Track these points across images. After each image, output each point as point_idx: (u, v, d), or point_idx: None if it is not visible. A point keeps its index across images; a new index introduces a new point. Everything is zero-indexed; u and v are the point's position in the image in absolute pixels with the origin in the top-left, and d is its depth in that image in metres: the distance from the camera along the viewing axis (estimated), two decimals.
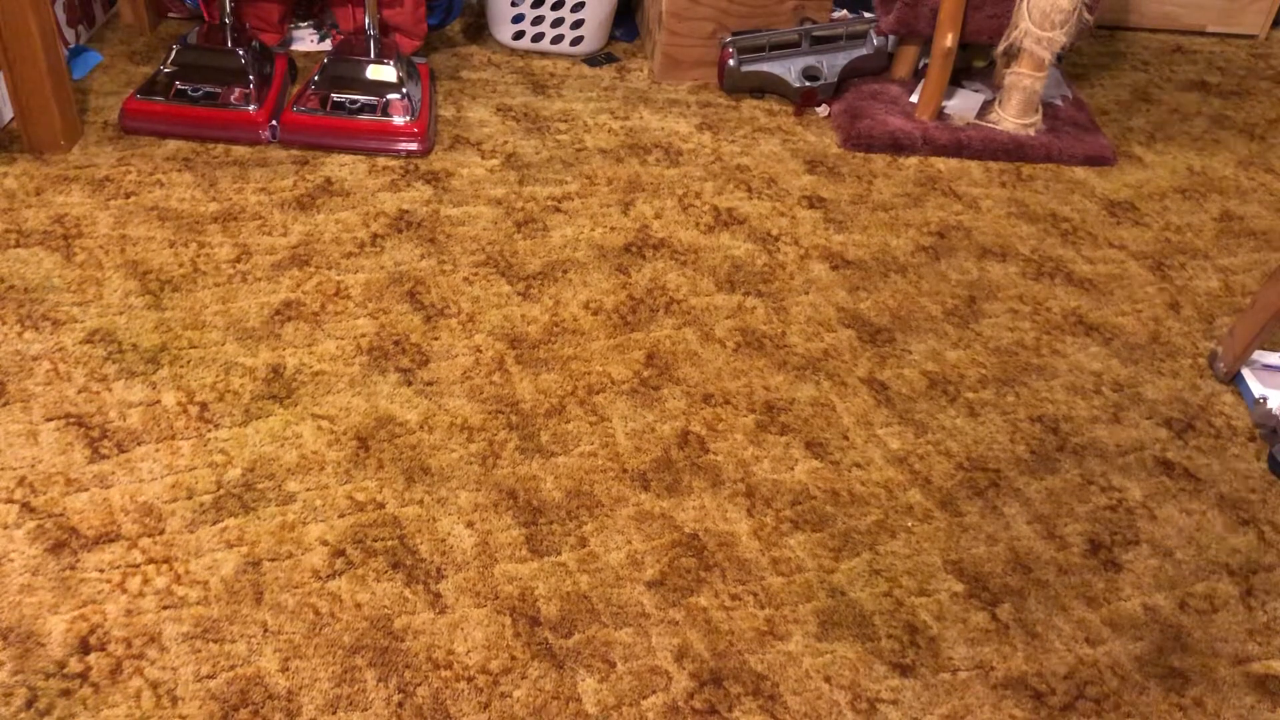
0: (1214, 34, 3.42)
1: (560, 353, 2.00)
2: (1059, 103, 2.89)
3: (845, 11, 3.01)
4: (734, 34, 2.83)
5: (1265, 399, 1.98)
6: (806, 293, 2.21)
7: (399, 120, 2.49)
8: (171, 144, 2.43)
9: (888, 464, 1.84)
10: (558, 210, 2.37)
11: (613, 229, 2.33)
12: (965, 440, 1.91)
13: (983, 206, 2.54)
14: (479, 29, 3.05)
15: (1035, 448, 1.91)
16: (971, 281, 2.29)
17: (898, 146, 2.70)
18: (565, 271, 2.19)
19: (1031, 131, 2.74)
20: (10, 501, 1.62)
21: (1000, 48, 2.69)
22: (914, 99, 2.81)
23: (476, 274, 2.16)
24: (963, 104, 2.81)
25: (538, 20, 2.92)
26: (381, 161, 2.46)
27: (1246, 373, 2.05)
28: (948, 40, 2.64)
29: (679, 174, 2.54)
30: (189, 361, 1.88)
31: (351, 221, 2.26)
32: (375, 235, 2.23)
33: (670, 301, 2.14)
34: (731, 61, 2.80)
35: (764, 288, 2.21)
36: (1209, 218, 2.58)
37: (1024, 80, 2.68)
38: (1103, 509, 1.81)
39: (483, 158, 2.52)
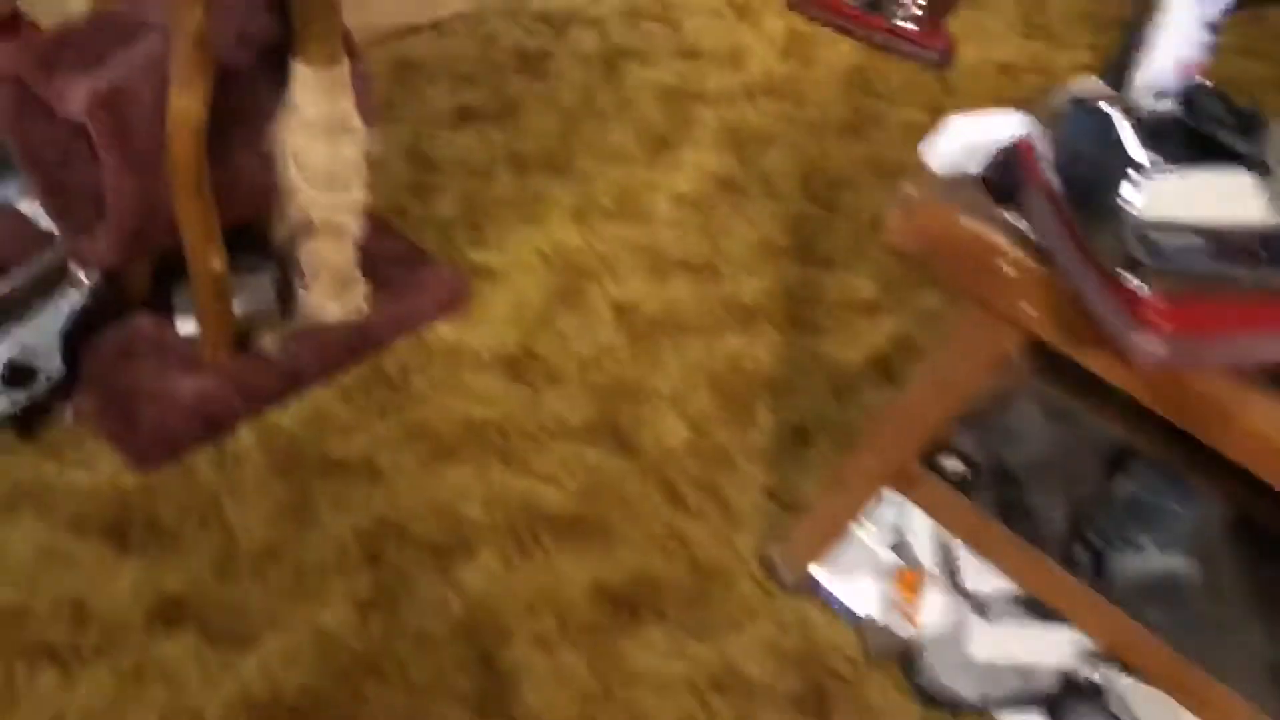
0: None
1: None
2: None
3: None
4: None
5: (870, 616, 1.62)
6: None
7: None
8: None
9: None
10: None
11: None
12: None
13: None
14: None
15: None
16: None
17: (213, 425, 1.79)
18: None
19: (364, 306, 1.98)
20: None
21: (284, 229, 1.84)
22: (186, 327, 1.88)
23: None
24: (254, 297, 1.94)
25: None
26: None
27: (821, 575, 1.67)
28: (215, 263, 1.73)
29: None
30: None
31: None
32: None
33: None
34: None
35: None
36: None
37: (329, 257, 1.89)
38: None
39: None
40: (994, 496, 1.51)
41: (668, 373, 2.02)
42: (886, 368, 2.08)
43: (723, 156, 2.56)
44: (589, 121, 2.60)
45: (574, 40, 2.85)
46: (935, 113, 2.80)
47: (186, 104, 1.58)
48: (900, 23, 3.03)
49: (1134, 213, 1.05)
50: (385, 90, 2.56)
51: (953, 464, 1.52)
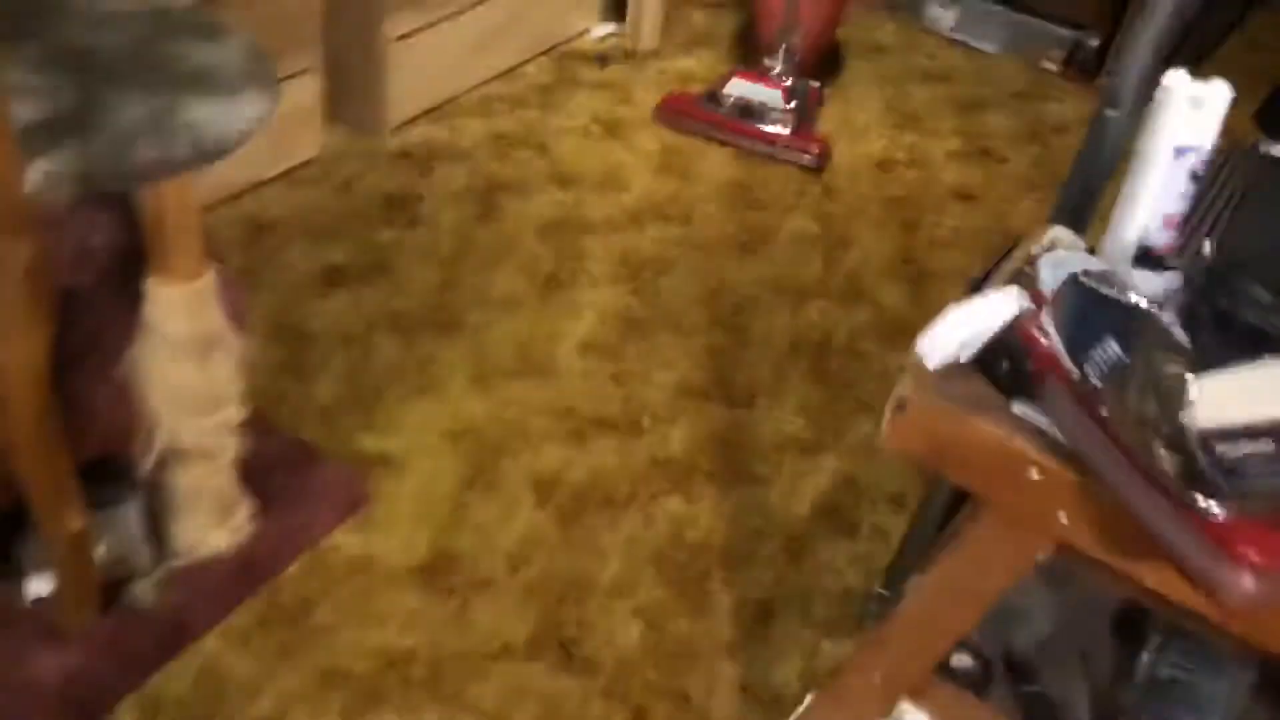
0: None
1: None
2: None
3: None
4: None
5: None
6: None
7: None
8: None
9: None
10: None
11: None
12: None
13: None
14: None
15: None
16: None
17: (85, 712, 1.49)
18: None
19: (247, 529, 1.72)
20: None
21: (149, 459, 1.57)
22: (37, 587, 1.58)
23: None
24: (119, 538, 1.65)
25: None
26: None
27: None
28: (72, 522, 1.45)
29: None
30: None
31: None
32: None
33: None
34: None
35: None
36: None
37: (204, 484, 1.62)
38: None
39: None
40: (1012, 692, 1.37)
41: (606, 557, 1.81)
42: (837, 515, 1.93)
43: (619, 291, 2.39)
44: (471, 268, 2.40)
45: (441, 178, 2.65)
46: (823, 220, 2.72)
47: (20, 351, 1.31)
48: (771, 128, 2.94)
49: (1194, 421, 0.91)
50: (238, 257, 2.31)
51: (961, 661, 1.37)
